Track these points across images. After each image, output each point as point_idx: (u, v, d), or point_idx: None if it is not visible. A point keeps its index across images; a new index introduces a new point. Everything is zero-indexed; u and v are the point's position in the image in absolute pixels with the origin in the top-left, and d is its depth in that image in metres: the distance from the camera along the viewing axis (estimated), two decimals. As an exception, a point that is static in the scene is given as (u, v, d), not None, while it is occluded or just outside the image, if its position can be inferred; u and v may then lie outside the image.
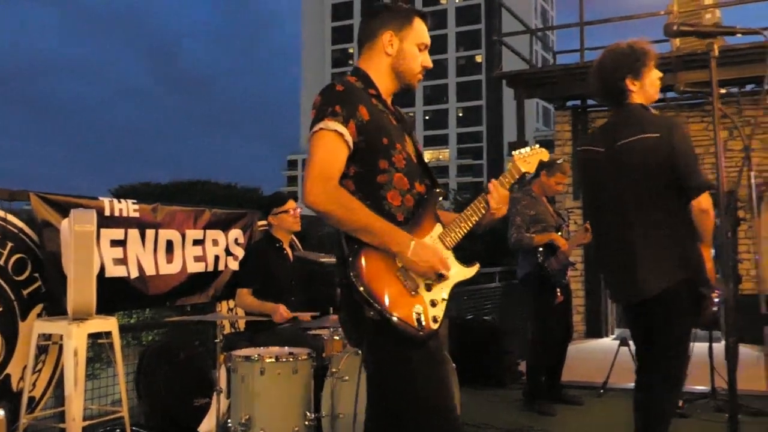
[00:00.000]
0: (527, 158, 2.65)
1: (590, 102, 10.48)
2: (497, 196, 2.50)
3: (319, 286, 5.46)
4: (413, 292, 2.30)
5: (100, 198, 4.58)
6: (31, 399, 4.10)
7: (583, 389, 5.94)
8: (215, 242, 5.42)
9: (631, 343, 5.62)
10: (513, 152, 2.67)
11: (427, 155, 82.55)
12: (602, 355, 7.53)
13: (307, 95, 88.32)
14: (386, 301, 2.24)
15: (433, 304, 2.32)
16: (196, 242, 5.26)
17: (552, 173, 5.56)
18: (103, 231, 4.50)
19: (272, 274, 4.60)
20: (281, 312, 4.45)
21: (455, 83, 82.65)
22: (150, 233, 4.87)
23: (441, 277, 2.32)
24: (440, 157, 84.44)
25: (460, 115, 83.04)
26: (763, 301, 5.95)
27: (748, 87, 9.62)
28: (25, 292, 4.12)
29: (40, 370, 4.18)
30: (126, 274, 4.67)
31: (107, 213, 4.56)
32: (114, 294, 4.55)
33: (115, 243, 4.61)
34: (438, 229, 2.42)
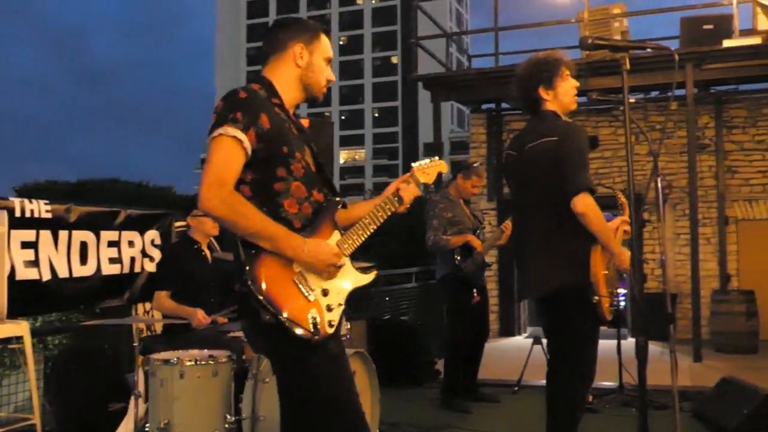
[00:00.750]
0: (426, 170, 2.75)
1: (504, 105, 10.76)
2: (411, 194, 2.63)
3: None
4: (310, 298, 2.36)
5: (10, 198, 4.42)
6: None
7: (498, 387, 6.11)
8: (131, 243, 5.32)
9: (544, 341, 5.84)
10: (413, 164, 2.76)
11: (343, 155, 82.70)
12: (516, 353, 7.74)
13: (221, 93, 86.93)
14: (282, 306, 2.30)
15: (329, 309, 2.39)
16: (112, 243, 5.15)
17: (468, 176, 5.69)
18: (13, 232, 4.36)
19: (190, 276, 4.54)
20: (199, 317, 4.40)
21: (371, 84, 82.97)
22: (63, 234, 4.74)
23: (339, 268, 2.40)
24: (356, 157, 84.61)
25: (376, 115, 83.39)
26: (668, 300, 6.22)
27: (653, 93, 10.07)
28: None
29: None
30: (38, 277, 4.54)
31: (18, 213, 4.42)
32: (26, 297, 4.41)
33: (26, 245, 4.48)
34: (336, 236, 2.48)
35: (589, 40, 2.62)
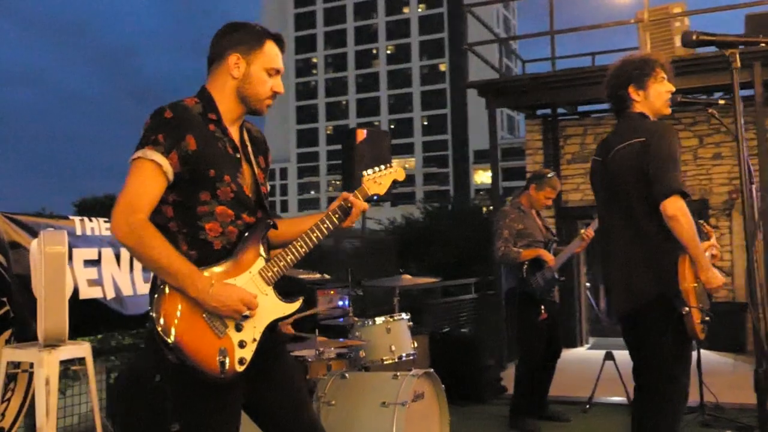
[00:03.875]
0: (378, 179, 2.58)
1: (561, 111, 10.49)
2: (358, 211, 2.46)
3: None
4: (220, 334, 2.24)
5: (71, 217, 4.38)
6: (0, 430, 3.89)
7: (567, 404, 5.86)
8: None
9: (616, 356, 5.59)
10: (363, 173, 2.58)
11: (393, 164, 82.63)
12: (579, 365, 7.48)
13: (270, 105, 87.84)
14: (186, 343, 2.18)
15: (242, 345, 2.27)
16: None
17: (541, 187, 5.48)
18: (75, 251, 4.30)
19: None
20: None
21: (419, 92, 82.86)
22: (125, 252, 4.67)
23: (246, 318, 2.26)
24: (406, 165, 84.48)
25: (425, 123, 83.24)
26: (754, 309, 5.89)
27: (717, 95, 9.70)
28: (-8, 318, 3.90)
29: (9, 399, 3.97)
30: (102, 296, 4.48)
31: (78, 232, 4.37)
32: (89, 317, 4.35)
33: (89, 263, 4.42)
34: (260, 263, 2.35)
35: (693, 36, 2.42)
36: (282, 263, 2.38)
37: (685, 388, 3.20)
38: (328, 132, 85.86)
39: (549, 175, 5.50)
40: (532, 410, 5.41)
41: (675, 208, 3.01)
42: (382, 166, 2.62)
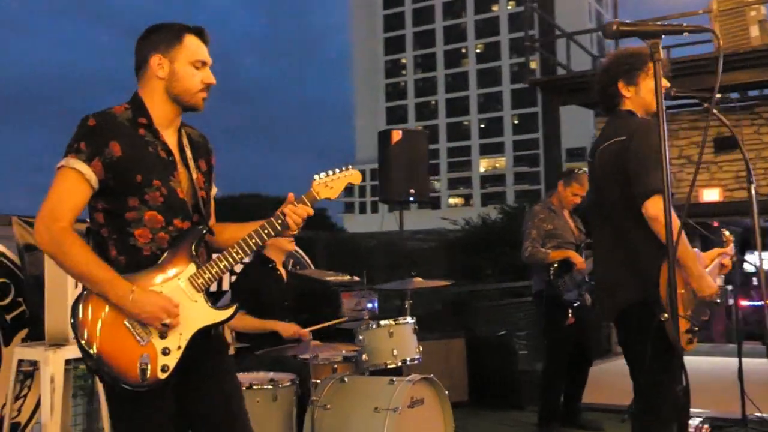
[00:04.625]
0: (330, 183, 2.52)
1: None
2: (299, 219, 2.43)
3: (322, 306, 5.32)
4: (143, 341, 2.24)
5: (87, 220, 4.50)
6: (15, 425, 4.04)
7: (603, 413, 5.62)
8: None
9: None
10: (315, 176, 2.52)
11: (483, 164, 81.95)
12: (613, 371, 7.16)
13: (360, 107, 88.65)
14: (107, 351, 2.19)
15: (166, 352, 2.26)
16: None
17: (568, 183, 5.28)
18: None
19: (262, 296, 4.44)
20: (295, 329, 4.30)
21: (509, 90, 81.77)
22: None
23: (167, 327, 2.24)
24: (496, 165, 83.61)
25: (516, 122, 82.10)
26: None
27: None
28: (8, 317, 4.07)
29: (25, 396, 4.12)
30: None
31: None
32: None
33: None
34: (191, 269, 2.33)
35: (614, 27, 2.24)
36: (214, 270, 2.37)
37: (675, 396, 3.00)
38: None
39: (577, 172, 5.29)
40: (562, 417, 5.22)
41: (657, 208, 2.82)
42: (337, 170, 2.57)
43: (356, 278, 5.69)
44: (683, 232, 2.86)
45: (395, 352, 4.05)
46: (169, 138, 2.43)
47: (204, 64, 2.43)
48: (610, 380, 6.68)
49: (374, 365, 4.08)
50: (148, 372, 2.22)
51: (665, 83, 3.15)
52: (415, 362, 4.18)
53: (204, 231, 2.41)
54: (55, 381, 3.74)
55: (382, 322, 4.14)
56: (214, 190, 2.64)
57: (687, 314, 2.92)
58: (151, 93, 2.40)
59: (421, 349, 4.20)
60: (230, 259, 2.39)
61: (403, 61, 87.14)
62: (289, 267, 5.96)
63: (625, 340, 3.11)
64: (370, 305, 5.70)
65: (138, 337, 2.24)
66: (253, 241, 2.42)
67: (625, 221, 2.97)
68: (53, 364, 3.75)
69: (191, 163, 2.46)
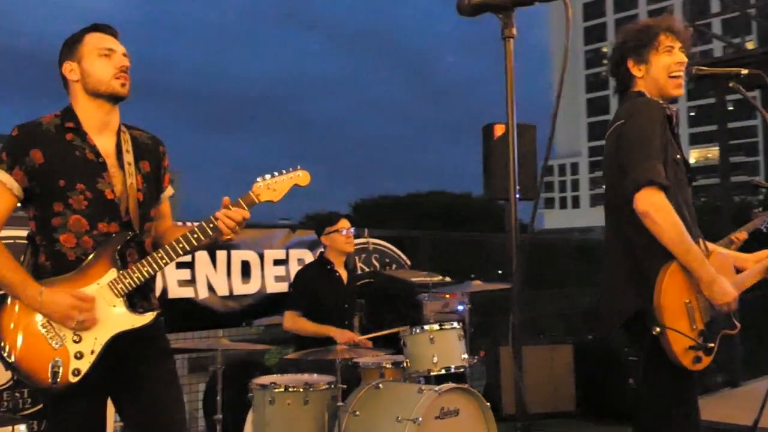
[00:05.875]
0: (272, 185, 2.45)
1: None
2: (231, 223, 2.40)
3: (398, 307, 5.20)
4: (56, 345, 2.30)
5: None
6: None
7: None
8: (301, 261, 5.37)
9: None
10: (258, 178, 2.44)
11: (694, 154, 76.60)
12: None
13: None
14: (21, 354, 2.29)
15: (78, 356, 2.30)
16: (278, 262, 5.26)
17: None
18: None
19: (319, 298, 4.39)
20: (348, 336, 4.26)
21: (723, 75, 75.68)
22: (221, 254, 4.95)
23: (82, 324, 2.29)
24: (708, 155, 77.80)
25: (731, 108, 75.88)
26: None
27: None
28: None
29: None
30: (193, 295, 4.79)
31: (171, 236, 4.71)
32: (179, 315, 4.67)
33: (180, 265, 4.74)
34: (111, 274, 2.36)
35: (466, 1, 1.94)
36: (136, 275, 2.37)
37: (688, 422, 2.59)
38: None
39: None
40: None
41: (647, 203, 2.45)
42: (283, 171, 2.51)
43: (446, 279, 5.52)
44: (682, 227, 2.47)
45: (435, 359, 3.84)
46: (103, 141, 2.46)
47: (111, 50, 2.46)
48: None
49: (416, 372, 3.90)
50: (59, 375, 2.27)
51: (682, 58, 2.72)
52: (461, 371, 3.96)
53: (129, 235, 2.41)
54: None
55: (425, 327, 3.95)
56: (168, 191, 2.66)
57: (698, 327, 2.50)
58: (74, 98, 2.47)
59: (465, 356, 3.96)
60: (154, 264, 2.38)
61: (604, 50, 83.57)
62: (378, 266, 5.91)
63: (635, 362, 2.72)
64: (461, 308, 5.49)
65: (51, 341, 2.30)
66: (181, 246, 2.40)
67: (624, 219, 2.60)
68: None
69: (129, 166, 2.47)
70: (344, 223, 4.53)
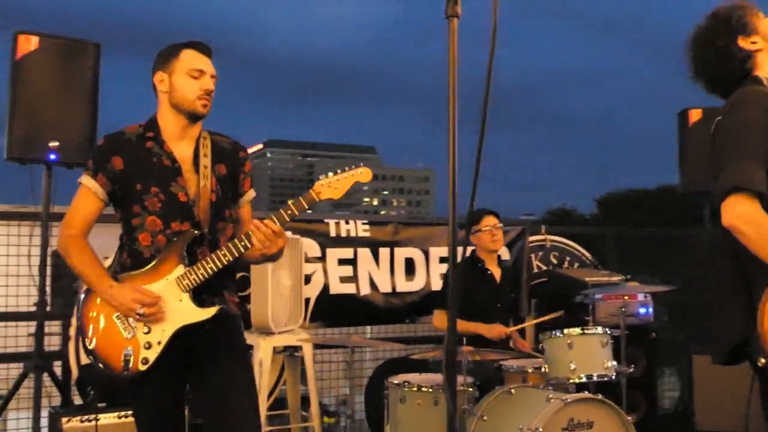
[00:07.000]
0: (333, 183, 2.51)
1: None
2: (261, 235, 2.46)
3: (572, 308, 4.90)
4: (129, 335, 2.49)
5: (325, 220, 4.89)
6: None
7: None
8: (468, 260, 5.27)
9: None
10: (320, 176, 2.45)
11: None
12: None
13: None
14: (98, 343, 2.51)
15: (148, 346, 2.47)
16: (444, 260, 5.21)
17: None
18: (328, 251, 4.82)
19: (471, 297, 4.28)
20: (498, 329, 4.18)
21: None
22: (384, 252, 5.01)
23: (143, 316, 2.44)
24: None
25: None
26: None
27: None
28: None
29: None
30: (355, 291, 4.90)
31: (333, 234, 4.86)
32: (341, 309, 4.82)
33: (343, 261, 4.88)
34: (179, 270, 2.50)
35: None
36: (201, 272, 2.49)
37: None
38: None
39: None
40: None
41: (733, 214, 2.07)
42: (346, 168, 2.55)
43: (627, 278, 5.11)
44: None
45: (573, 366, 3.57)
46: (181, 148, 2.61)
47: (201, 72, 2.58)
48: None
49: (554, 378, 3.66)
50: (131, 363, 2.46)
51: None
52: (605, 380, 3.64)
53: (195, 233, 2.53)
54: (263, 365, 4.19)
55: (565, 331, 3.69)
56: (248, 195, 2.75)
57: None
58: (160, 108, 2.64)
59: (611, 364, 3.63)
60: (217, 261, 2.49)
61: None
62: (556, 264, 5.65)
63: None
64: (642, 310, 5.06)
65: (124, 332, 2.49)
66: (243, 243, 2.49)
67: (727, 234, 2.20)
68: (263, 349, 4.20)
69: (204, 169, 2.60)
70: (488, 221, 4.39)
